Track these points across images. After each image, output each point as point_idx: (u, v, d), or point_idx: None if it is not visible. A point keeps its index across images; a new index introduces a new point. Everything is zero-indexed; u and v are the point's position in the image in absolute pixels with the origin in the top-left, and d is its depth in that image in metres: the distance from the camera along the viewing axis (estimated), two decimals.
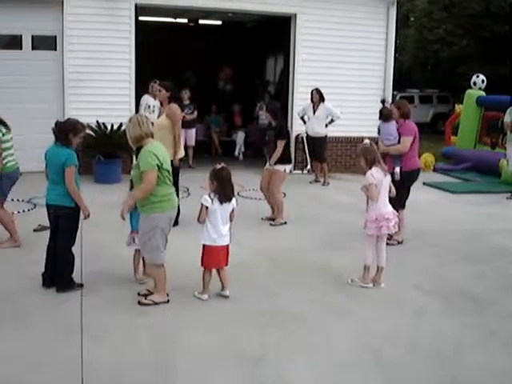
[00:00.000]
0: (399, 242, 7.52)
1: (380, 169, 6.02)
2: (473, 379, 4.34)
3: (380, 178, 5.97)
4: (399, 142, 7.59)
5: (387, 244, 7.01)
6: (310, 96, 11.73)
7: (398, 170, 7.43)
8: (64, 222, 5.61)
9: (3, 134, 6.67)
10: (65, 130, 5.58)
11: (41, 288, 5.64)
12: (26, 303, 5.32)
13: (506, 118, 11.26)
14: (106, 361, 4.35)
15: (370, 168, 5.99)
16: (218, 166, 5.56)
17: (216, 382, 4.18)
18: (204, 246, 5.53)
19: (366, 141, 6.25)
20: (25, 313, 5.12)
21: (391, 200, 6.86)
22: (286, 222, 8.57)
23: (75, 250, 5.65)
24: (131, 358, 4.41)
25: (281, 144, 8.41)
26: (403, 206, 7.58)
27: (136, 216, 5.64)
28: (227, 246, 5.60)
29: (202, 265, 5.58)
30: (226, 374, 4.26)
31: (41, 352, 4.44)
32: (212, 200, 5.43)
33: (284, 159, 8.53)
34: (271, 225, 8.54)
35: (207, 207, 5.43)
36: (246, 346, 4.68)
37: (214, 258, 5.54)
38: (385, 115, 7.83)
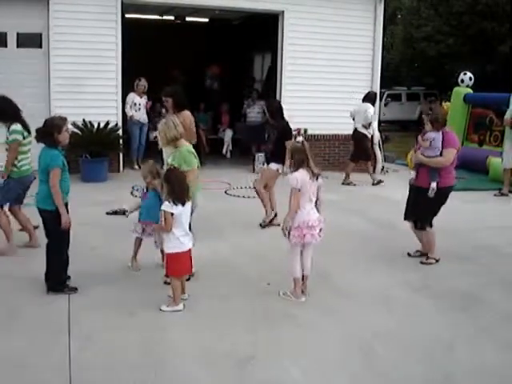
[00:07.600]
0: (437, 260, 6.82)
1: (307, 171, 5.40)
2: (465, 377, 4.33)
3: (305, 182, 5.37)
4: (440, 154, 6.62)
5: (422, 263, 6.80)
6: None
7: (434, 185, 6.57)
8: (47, 225, 5.49)
9: (24, 138, 6.54)
10: (49, 132, 5.37)
11: (29, 289, 5.57)
12: (14, 304, 5.25)
13: (507, 115, 11.29)
14: (94, 362, 4.30)
15: (297, 170, 5.42)
16: (170, 168, 5.46)
17: (206, 382, 4.14)
18: (171, 254, 5.23)
19: (299, 138, 5.79)
20: (12, 314, 5.05)
21: (417, 217, 6.60)
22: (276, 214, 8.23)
23: None
24: (120, 359, 4.36)
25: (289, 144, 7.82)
26: (431, 225, 6.81)
27: (146, 207, 5.98)
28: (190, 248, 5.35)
29: (171, 274, 5.30)
30: (216, 375, 4.22)
31: (28, 353, 4.37)
32: (173, 204, 5.10)
33: (279, 159, 8.08)
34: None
35: (172, 213, 5.09)
36: (235, 346, 4.65)
37: (184, 263, 5.27)
38: (443, 120, 6.72)
